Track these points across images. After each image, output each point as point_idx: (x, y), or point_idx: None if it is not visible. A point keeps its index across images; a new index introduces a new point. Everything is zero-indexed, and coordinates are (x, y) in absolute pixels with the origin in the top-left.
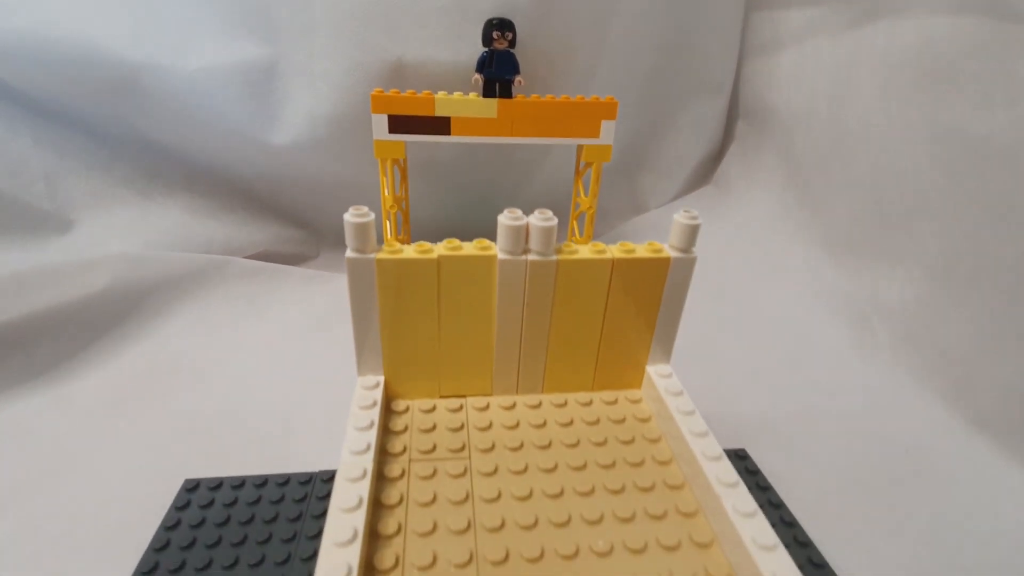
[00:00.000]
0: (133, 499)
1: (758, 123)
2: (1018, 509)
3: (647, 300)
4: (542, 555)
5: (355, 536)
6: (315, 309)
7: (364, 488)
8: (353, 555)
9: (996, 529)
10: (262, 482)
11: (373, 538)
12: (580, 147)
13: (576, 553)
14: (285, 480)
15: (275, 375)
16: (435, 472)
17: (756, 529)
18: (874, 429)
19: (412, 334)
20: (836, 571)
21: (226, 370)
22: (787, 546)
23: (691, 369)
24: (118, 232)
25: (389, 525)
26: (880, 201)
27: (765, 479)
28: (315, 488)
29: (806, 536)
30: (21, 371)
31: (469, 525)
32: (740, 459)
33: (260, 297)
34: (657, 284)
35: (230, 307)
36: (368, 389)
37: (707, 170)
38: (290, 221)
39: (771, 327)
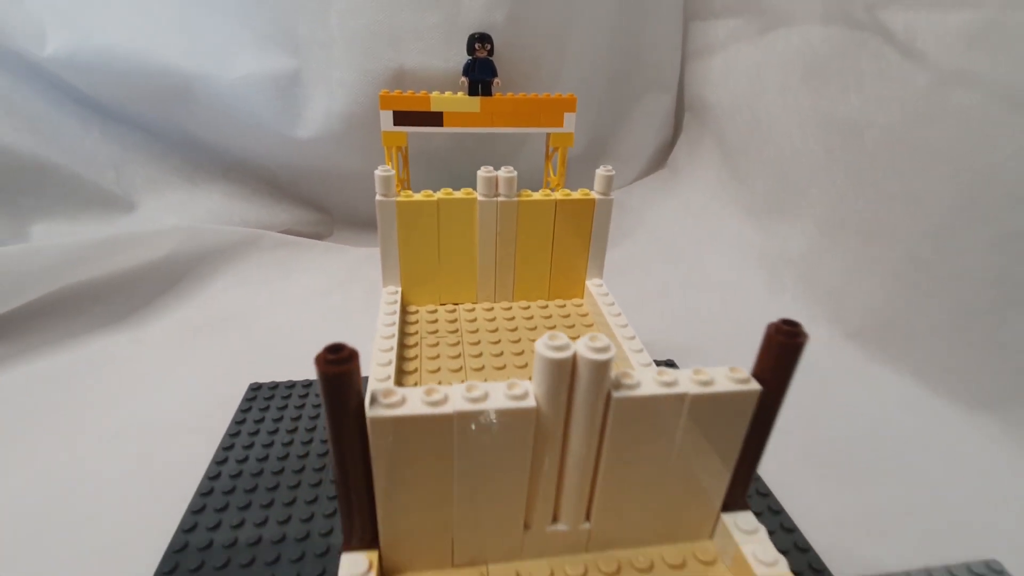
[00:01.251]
0: (204, 403)
1: (699, 116)
2: (871, 394)
3: (582, 229)
4: (505, 367)
5: (388, 377)
6: (332, 273)
7: (392, 354)
8: (389, 381)
9: (855, 408)
10: (308, 384)
11: (400, 374)
12: (548, 135)
13: (527, 366)
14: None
15: (303, 320)
16: (438, 343)
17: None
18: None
19: (420, 256)
20: None
21: (264, 317)
22: None
23: (642, 311)
24: (171, 211)
25: (409, 366)
26: (784, 174)
27: None
28: None
29: None
30: (104, 317)
31: (461, 367)
32: (669, 366)
33: (287, 263)
34: (587, 218)
35: (264, 270)
36: (390, 295)
37: (662, 156)
38: (309, 205)
39: (707, 278)
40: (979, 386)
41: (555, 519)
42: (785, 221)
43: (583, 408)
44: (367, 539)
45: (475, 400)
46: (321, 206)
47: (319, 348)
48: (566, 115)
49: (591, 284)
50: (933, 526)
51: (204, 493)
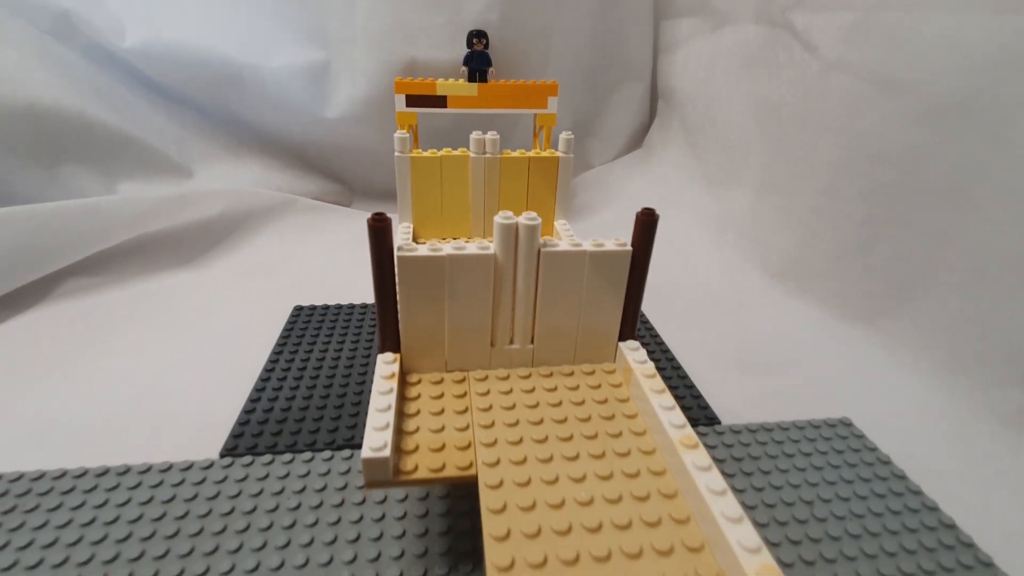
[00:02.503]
0: (258, 320)
1: (669, 102)
2: (785, 317)
3: (549, 180)
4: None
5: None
6: (354, 233)
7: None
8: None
9: (783, 335)
10: (338, 307)
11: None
12: (535, 115)
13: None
14: (354, 305)
15: (331, 267)
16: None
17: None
18: (720, 287)
19: (427, 200)
20: (680, 360)
21: (300, 264)
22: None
23: None
24: (220, 179)
25: None
26: (731, 148)
27: (644, 316)
28: (369, 311)
29: (667, 346)
30: (170, 260)
31: None
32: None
33: (317, 223)
34: (553, 171)
35: (298, 228)
36: (405, 228)
37: (639, 138)
38: (333, 178)
39: (668, 237)
40: (858, 305)
41: (511, 341)
42: (730, 187)
43: (524, 259)
44: (394, 345)
45: (458, 249)
46: (342, 179)
47: (345, 287)
48: (550, 99)
49: (558, 224)
50: (807, 399)
51: (264, 379)
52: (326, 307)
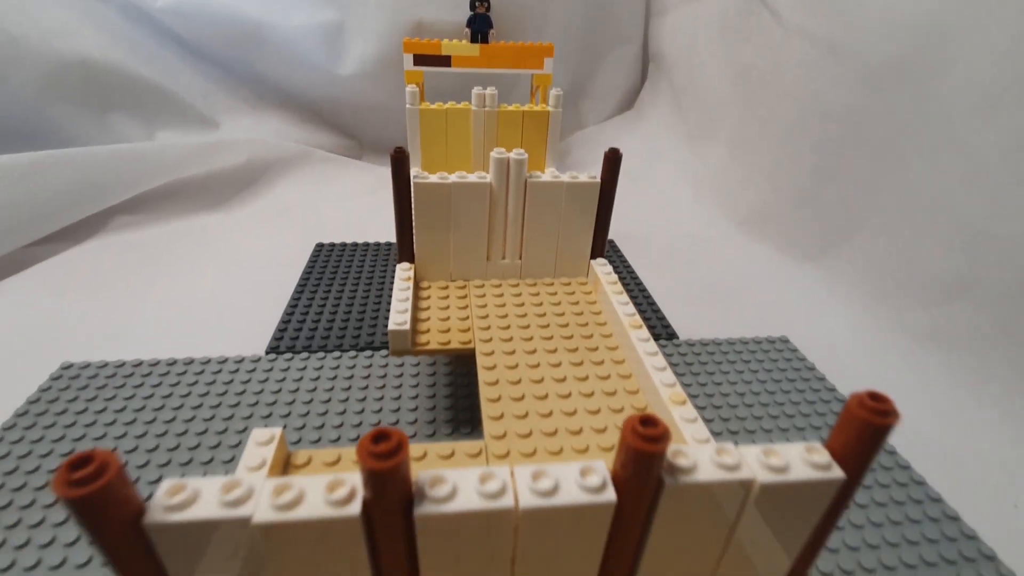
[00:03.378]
0: (285, 254)
1: (659, 65)
2: (746, 259)
3: (541, 131)
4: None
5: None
6: (365, 183)
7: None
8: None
9: (741, 273)
10: (355, 244)
11: None
12: (532, 75)
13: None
14: (368, 243)
15: (346, 211)
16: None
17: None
18: (692, 233)
19: (434, 145)
20: (650, 290)
21: (319, 208)
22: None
23: None
24: (243, 131)
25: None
26: (710, 109)
27: (624, 256)
28: (382, 249)
29: (639, 278)
30: (206, 201)
31: None
32: (615, 251)
33: (332, 173)
34: (544, 124)
35: (315, 177)
36: (417, 171)
37: (631, 98)
38: (344, 133)
39: (655, 191)
40: (806, 246)
41: (503, 256)
42: (708, 145)
43: (514, 187)
44: (409, 256)
45: (462, 178)
46: (353, 134)
47: (360, 229)
48: (546, 60)
49: (548, 170)
50: (754, 322)
51: (296, 296)
52: (344, 244)
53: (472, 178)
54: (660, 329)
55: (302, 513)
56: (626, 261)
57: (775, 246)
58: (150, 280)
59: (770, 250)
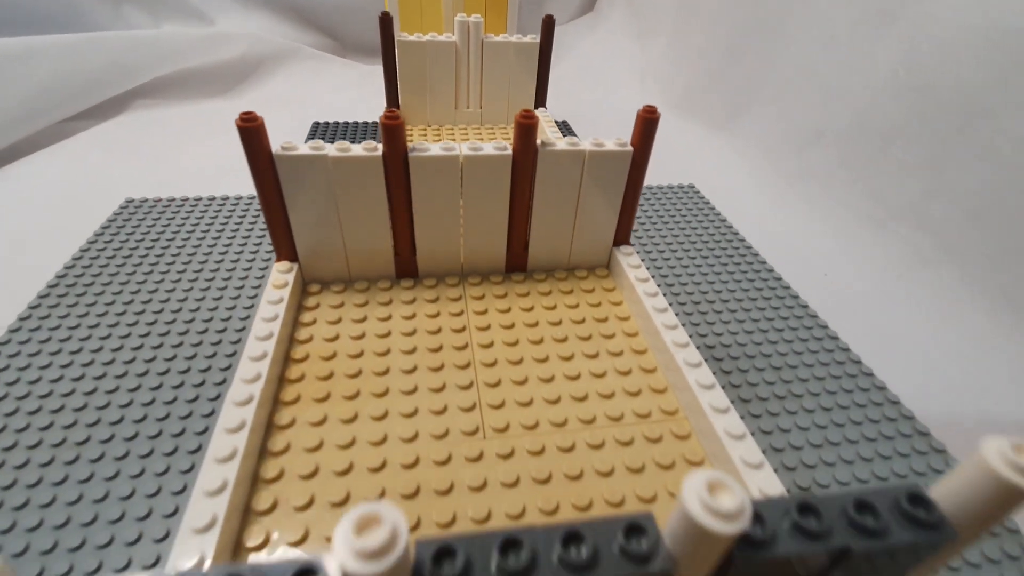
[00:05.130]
0: (286, 133)
1: None
2: (678, 137)
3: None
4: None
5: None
6: (349, 78)
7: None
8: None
9: (663, 141)
10: (346, 123)
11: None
12: None
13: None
14: (358, 123)
15: (334, 99)
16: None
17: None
18: (633, 117)
19: (412, 16)
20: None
21: (310, 97)
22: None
23: (564, 100)
24: (236, 26)
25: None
26: (655, 6)
27: (575, 132)
28: (372, 125)
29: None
30: (208, 90)
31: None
32: (568, 130)
33: (319, 68)
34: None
35: (306, 69)
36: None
37: (591, 1)
38: (327, 33)
39: (607, 87)
40: (718, 116)
41: (467, 106)
42: (654, 40)
43: (473, 46)
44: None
45: (434, 38)
46: (335, 35)
47: (346, 113)
48: None
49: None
50: (668, 175)
51: None
52: (337, 123)
53: (442, 38)
54: None
55: (352, 152)
56: (575, 136)
57: (697, 121)
58: (178, 147)
59: (695, 125)
